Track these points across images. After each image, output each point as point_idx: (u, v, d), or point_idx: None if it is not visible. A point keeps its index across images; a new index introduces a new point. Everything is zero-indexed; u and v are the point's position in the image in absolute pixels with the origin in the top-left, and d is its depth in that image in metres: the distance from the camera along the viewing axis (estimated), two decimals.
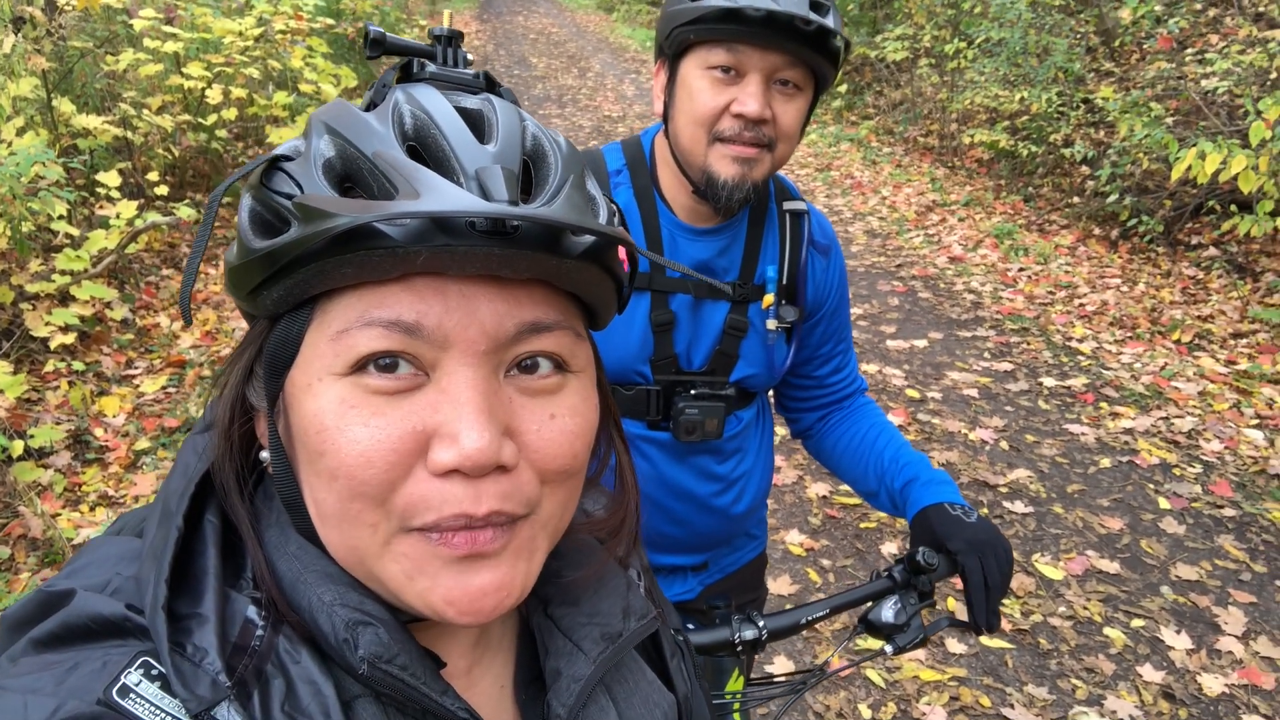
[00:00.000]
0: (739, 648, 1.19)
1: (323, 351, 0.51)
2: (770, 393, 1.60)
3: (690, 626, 1.23)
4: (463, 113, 0.53)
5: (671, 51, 1.28)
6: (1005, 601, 3.19)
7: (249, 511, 0.57)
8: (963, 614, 1.21)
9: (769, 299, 1.37)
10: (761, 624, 1.20)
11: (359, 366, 0.50)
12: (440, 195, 0.47)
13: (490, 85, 0.60)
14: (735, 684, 1.29)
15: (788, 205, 1.42)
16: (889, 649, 1.23)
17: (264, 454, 0.57)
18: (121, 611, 0.50)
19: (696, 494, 1.43)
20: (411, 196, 0.47)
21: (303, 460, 0.53)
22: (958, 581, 1.27)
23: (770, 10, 1.17)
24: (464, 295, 0.50)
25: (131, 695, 0.47)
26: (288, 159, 0.53)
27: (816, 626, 3.05)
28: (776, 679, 1.29)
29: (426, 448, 0.50)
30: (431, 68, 0.59)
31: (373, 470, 0.49)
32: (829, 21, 1.19)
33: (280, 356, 0.54)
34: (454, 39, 0.60)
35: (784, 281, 1.40)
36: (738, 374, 1.40)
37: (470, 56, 0.62)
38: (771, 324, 1.38)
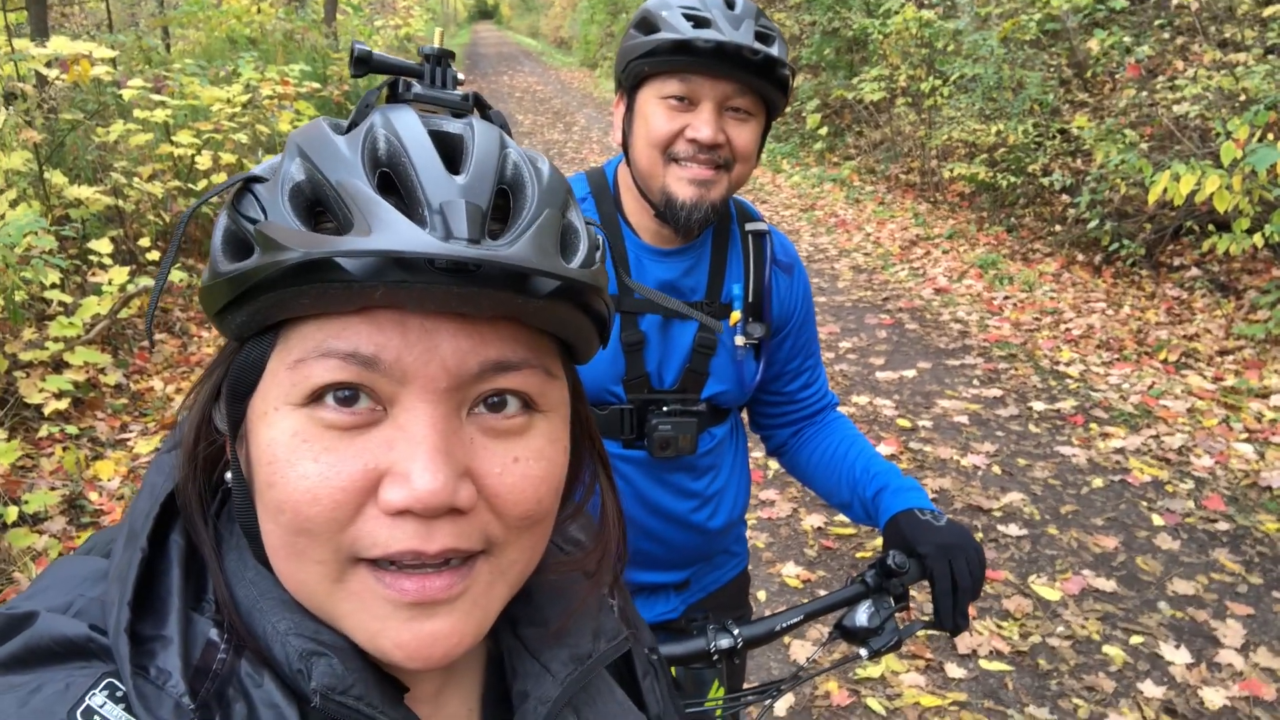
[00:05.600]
0: (715, 657, 1.21)
1: (281, 380, 0.51)
2: (744, 413, 1.63)
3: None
4: (442, 137, 0.52)
5: (628, 84, 1.34)
6: (1003, 624, 3.19)
7: (211, 534, 0.56)
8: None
9: (735, 316, 1.41)
10: (737, 632, 1.22)
11: (315, 397, 0.49)
12: (393, 232, 0.46)
13: (480, 107, 0.58)
14: (716, 693, 1.30)
15: (750, 226, 1.46)
16: (864, 653, 1.25)
17: (229, 475, 0.57)
18: (85, 632, 0.50)
19: (673, 510, 1.46)
20: (364, 232, 0.46)
21: (256, 490, 0.52)
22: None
23: (719, 42, 1.23)
24: (425, 330, 0.49)
25: (96, 717, 0.46)
26: (261, 180, 0.52)
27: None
28: (753, 687, 1.30)
29: (378, 486, 0.49)
30: (418, 88, 0.57)
31: (318, 508, 0.48)
32: (774, 51, 1.25)
33: (242, 381, 0.53)
34: (443, 58, 0.58)
35: (749, 299, 1.44)
36: (709, 391, 1.43)
37: (461, 76, 0.59)
38: (739, 340, 1.42)
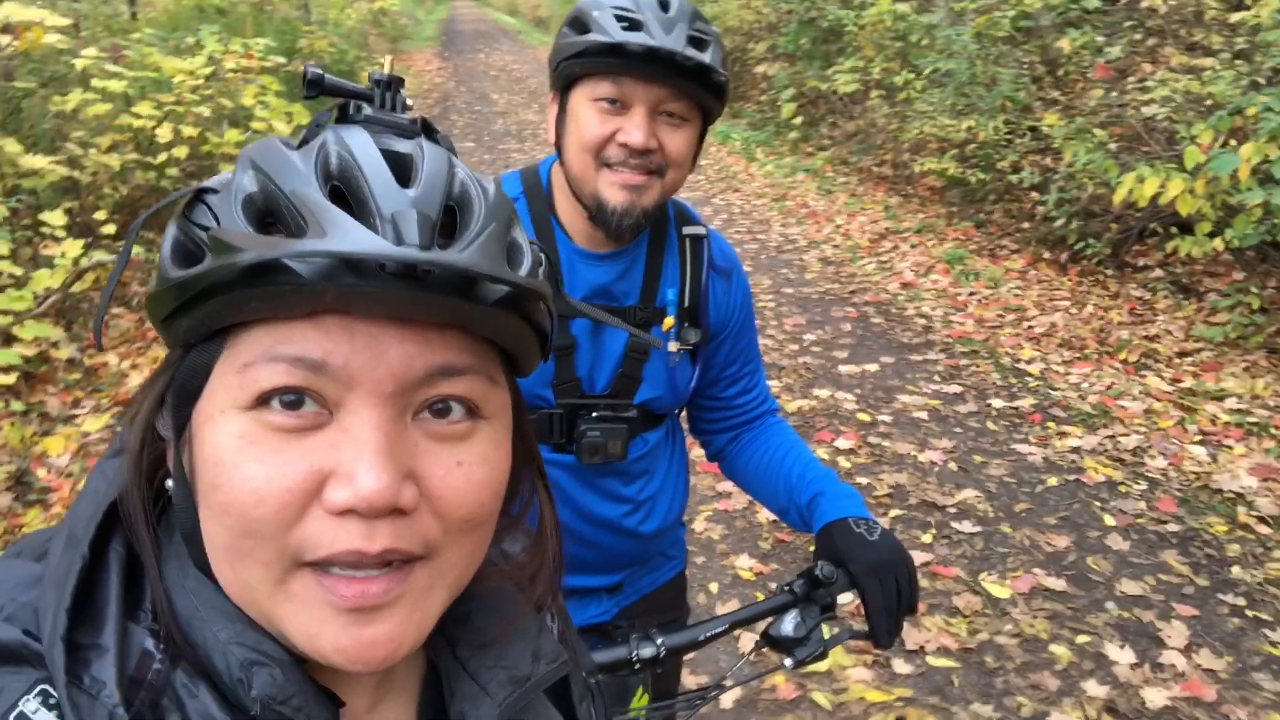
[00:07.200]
0: (637, 665, 1.20)
1: (229, 384, 0.51)
2: (683, 416, 1.61)
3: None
4: (391, 156, 0.54)
5: (560, 84, 1.31)
6: (951, 621, 3.22)
7: (153, 542, 0.56)
8: (861, 624, 1.25)
9: (669, 321, 1.40)
10: (660, 641, 1.21)
11: (262, 401, 0.50)
12: (346, 235, 0.48)
13: (427, 131, 0.61)
14: (640, 701, 1.30)
15: (687, 230, 1.44)
16: (788, 662, 1.24)
17: (170, 482, 0.57)
18: (19, 637, 0.50)
19: (604, 516, 1.44)
20: (318, 235, 0.48)
21: (200, 492, 0.53)
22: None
23: (651, 46, 1.20)
24: (372, 336, 0.50)
25: None
26: (213, 191, 0.54)
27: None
28: (677, 696, 1.30)
29: (323, 487, 0.50)
30: (368, 110, 0.59)
31: (264, 508, 0.49)
32: (707, 57, 1.23)
33: (188, 386, 0.54)
34: (393, 84, 0.61)
35: (685, 304, 1.42)
36: (641, 396, 1.41)
37: (410, 102, 0.63)
38: (673, 346, 1.40)
